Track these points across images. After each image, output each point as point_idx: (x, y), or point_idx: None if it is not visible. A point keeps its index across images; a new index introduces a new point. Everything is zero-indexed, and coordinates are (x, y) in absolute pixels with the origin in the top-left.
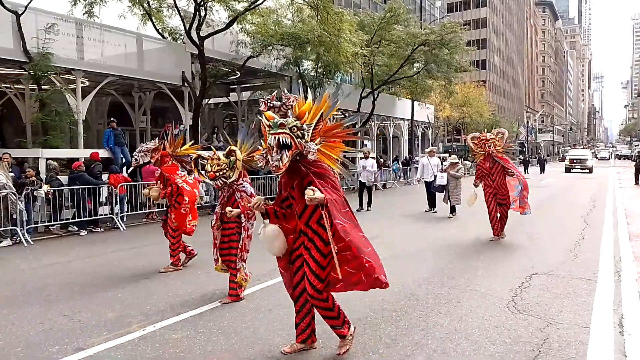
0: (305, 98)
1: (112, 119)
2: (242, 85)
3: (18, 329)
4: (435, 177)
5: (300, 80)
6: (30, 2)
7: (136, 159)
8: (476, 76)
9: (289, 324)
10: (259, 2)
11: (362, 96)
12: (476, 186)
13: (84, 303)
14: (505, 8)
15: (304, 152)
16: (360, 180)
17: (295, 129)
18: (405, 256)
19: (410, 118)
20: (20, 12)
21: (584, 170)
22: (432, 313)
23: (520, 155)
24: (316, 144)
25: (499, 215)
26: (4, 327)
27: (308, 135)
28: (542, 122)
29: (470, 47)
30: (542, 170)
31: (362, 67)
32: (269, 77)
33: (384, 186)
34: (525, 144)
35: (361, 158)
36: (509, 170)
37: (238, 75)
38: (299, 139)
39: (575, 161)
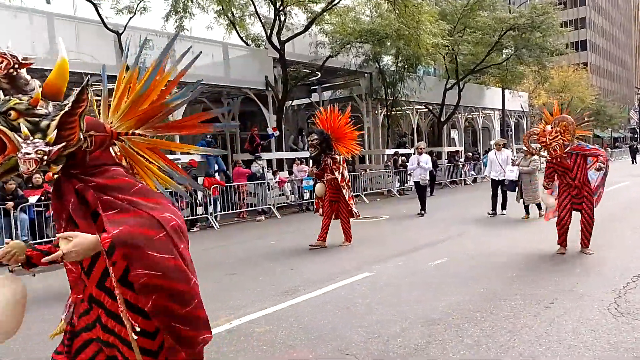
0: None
1: (207, 134)
2: (323, 85)
3: None
4: (505, 173)
5: (380, 76)
6: (129, 21)
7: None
8: (575, 59)
9: (367, 322)
10: (336, 2)
11: (447, 87)
12: (546, 188)
13: None
14: None
15: (19, 155)
16: (414, 181)
17: (15, 114)
18: (492, 254)
19: (501, 107)
20: (120, 32)
21: None
22: (520, 314)
23: (633, 142)
24: (73, 143)
25: (583, 223)
26: None
27: (52, 125)
28: None
29: (566, 28)
30: (634, 159)
31: (445, 58)
32: (349, 75)
33: (474, 180)
34: (638, 130)
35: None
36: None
37: (318, 76)
38: (14, 132)
39: None
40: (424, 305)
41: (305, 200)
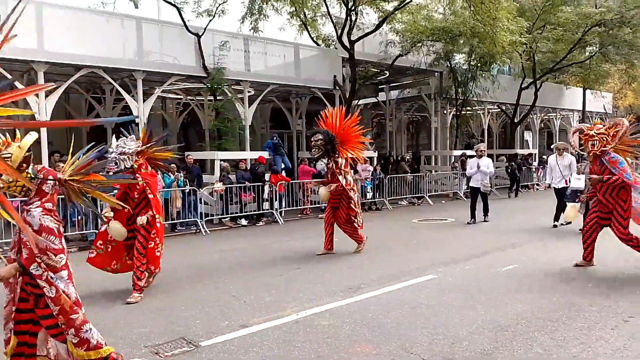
0: None
1: (274, 135)
2: (391, 85)
3: (197, 305)
4: (567, 181)
5: (451, 75)
6: (208, 24)
7: (116, 163)
8: None
9: (432, 323)
10: (408, 0)
11: (522, 87)
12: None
13: (248, 286)
14: None
15: None
16: (471, 186)
17: None
18: (564, 264)
19: (581, 109)
20: (200, 34)
21: None
22: (595, 326)
23: None
24: None
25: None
26: (187, 302)
27: None
28: None
29: None
30: None
31: (522, 56)
32: (418, 74)
33: (549, 185)
34: None
35: (471, 156)
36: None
37: (387, 75)
38: None
39: None
40: (492, 311)
41: (368, 200)
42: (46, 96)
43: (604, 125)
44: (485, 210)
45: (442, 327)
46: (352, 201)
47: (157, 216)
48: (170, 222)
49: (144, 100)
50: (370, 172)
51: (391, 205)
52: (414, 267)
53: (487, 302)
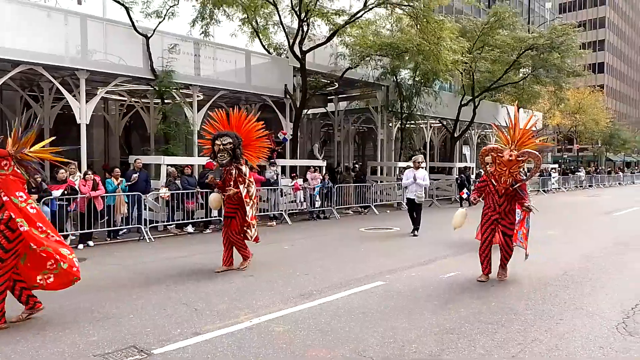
0: None
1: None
2: (340, 96)
3: (147, 313)
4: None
5: (397, 89)
6: (158, 26)
7: None
8: (592, 81)
9: (383, 327)
10: (359, 15)
11: (462, 104)
12: (473, 203)
13: (198, 294)
14: (628, 5)
15: None
16: (407, 197)
17: None
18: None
19: None
20: (149, 35)
21: None
22: (531, 328)
23: None
24: None
25: (500, 248)
26: (136, 310)
27: None
28: None
29: (585, 50)
30: None
31: (463, 74)
32: (366, 87)
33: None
34: None
35: (407, 168)
36: (521, 198)
37: (336, 86)
38: None
39: None
40: (437, 315)
41: (317, 208)
42: None
43: (516, 156)
44: (416, 224)
45: (391, 331)
46: (249, 214)
47: (19, 220)
48: (112, 228)
49: (87, 101)
50: (319, 181)
51: (339, 214)
52: (363, 275)
53: (433, 307)
